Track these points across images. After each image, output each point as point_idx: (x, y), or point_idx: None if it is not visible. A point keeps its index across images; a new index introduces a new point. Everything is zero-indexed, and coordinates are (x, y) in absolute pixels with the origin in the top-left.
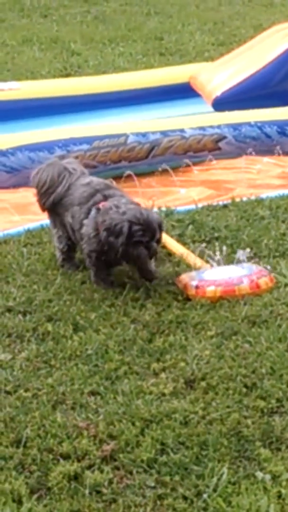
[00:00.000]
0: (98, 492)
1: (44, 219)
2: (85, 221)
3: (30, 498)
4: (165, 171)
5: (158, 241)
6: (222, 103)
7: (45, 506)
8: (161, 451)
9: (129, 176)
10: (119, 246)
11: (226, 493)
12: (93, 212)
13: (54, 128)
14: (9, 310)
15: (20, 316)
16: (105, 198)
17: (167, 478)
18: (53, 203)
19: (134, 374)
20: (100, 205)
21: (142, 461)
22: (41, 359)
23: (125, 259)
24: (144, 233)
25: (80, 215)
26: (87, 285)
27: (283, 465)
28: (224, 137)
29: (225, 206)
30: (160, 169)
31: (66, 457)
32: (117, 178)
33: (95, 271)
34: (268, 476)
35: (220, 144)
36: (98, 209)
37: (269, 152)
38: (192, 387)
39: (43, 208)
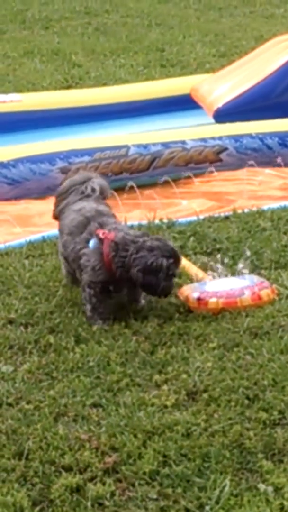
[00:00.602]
0: (100, 504)
1: (45, 231)
2: (86, 251)
3: (32, 511)
4: (166, 183)
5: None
6: (223, 115)
7: None
8: (163, 463)
9: (131, 187)
10: (161, 283)
11: (228, 505)
12: (93, 242)
13: (55, 140)
14: (10, 322)
15: (22, 328)
16: (101, 226)
17: (170, 490)
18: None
19: (136, 386)
20: (100, 234)
21: (144, 473)
22: (43, 371)
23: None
24: (176, 265)
25: (75, 245)
26: None
27: (285, 477)
28: (226, 149)
29: (226, 217)
30: (161, 181)
31: (68, 469)
32: (119, 189)
33: (93, 304)
34: (270, 488)
35: (222, 156)
36: (101, 239)
37: (270, 163)
38: (194, 399)
39: (54, 214)
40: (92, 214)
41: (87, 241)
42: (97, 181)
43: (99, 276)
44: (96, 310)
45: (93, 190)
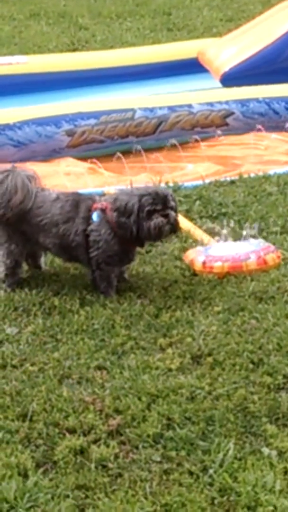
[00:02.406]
0: (104, 466)
1: None
2: (92, 227)
3: (36, 472)
4: (173, 147)
5: (175, 210)
6: (230, 79)
7: (51, 480)
8: (167, 426)
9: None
10: (132, 224)
11: (232, 469)
12: (96, 215)
13: (61, 102)
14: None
15: (26, 290)
16: (93, 201)
17: (173, 453)
18: (17, 216)
19: (140, 349)
20: (99, 206)
21: (148, 436)
22: (47, 333)
23: (146, 237)
24: (154, 201)
25: (78, 228)
26: None
27: None
28: (232, 113)
29: (232, 182)
30: (168, 144)
31: (72, 431)
32: (125, 153)
33: (107, 278)
34: (274, 452)
35: (228, 120)
36: (103, 210)
37: (277, 128)
38: (199, 363)
39: (9, 218)
40: (76, 195)
41: (87, 219)
42: (28, 173)
43: (114, 245)
44: (111, 285)
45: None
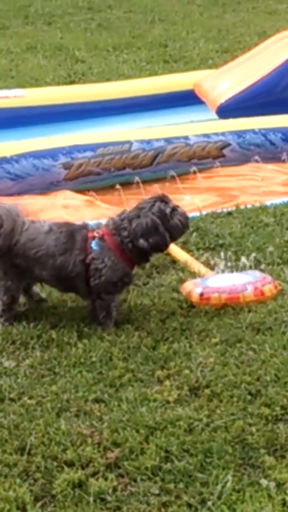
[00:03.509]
0: (102, 499)
1: None
2: (93, 255)
3: (34, 506)
4: (171, 178)
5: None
6: (226, 110)
7: None
8: (166, 458)
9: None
10: (164, 235)
11: (230, 501)
12: (95, 243)
13: (58, 135)
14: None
15: (24, 323)
16: (87, 230)
17: (172, 486)
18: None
19: (138, 382)
20: (96, 234)
21: (146, 468)
22: (45, 366)
23: (178, 234)
24: (163, 204)
25: (75, 258)
26: None
27: (287, 473)
28: (229, 144)
29: (229, 213)
30: (168, 176)
31: (70, 464)
32: (124, 185)
33: (107, 307)
34: (272, 484)
35: (225, 151)
36: (101, 237)
37: (273, 159)
38: (197, 395)
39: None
40: (69, 226)
41: (85, 249)
42: (12, 207)
43: (117, 271)
44: (110, 315)
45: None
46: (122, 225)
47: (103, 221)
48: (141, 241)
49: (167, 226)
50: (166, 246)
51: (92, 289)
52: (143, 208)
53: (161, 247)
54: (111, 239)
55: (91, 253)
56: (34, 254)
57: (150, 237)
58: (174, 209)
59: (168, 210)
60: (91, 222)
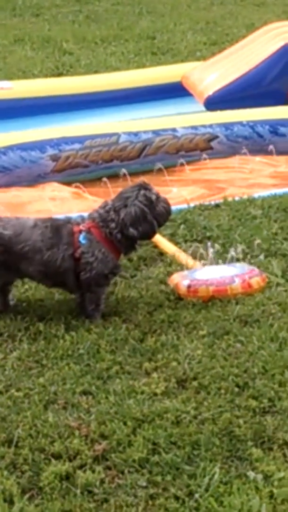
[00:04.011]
0: (89, 492)
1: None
2: (83, 249)
3: (22, 498)
4: (157, 170)
5: None
6: (214, 103)
7: (36, 506)
8: (153, 451)
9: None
10: (153, 222)
11: (218, 493)
12: (83, 236)
13: (46, 127)
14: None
15: (11, 315)
16: (69, 222)
17: (159, 478)
18: None
19: (126, 374)
20: (82, 228)
21: (133, 461)
22: (32, 358)
23: (164, 221)
24: (148, 191)
25: (63, 253)
26: None
27: (275, 465)
28: (216, 137)
29: (217, 205)
30: (155, 168)
31: (57, 457)
32: (111, 177)
33: (97, 300)
34: (260, 476)
35: (212, 144)
36: (88, 230)
37: (261, 151)
38: (184, 387)
39: None
40: (54, 221)
41: (72, 243)
42: None
43: (108, 263)
44: (98, 308)
45: None
46: (109, 217)
47: (85, 215)
48: (131, 230)
49: (154, 213)
50: (154, 233)
51: (83, 283)
52: (128, 197)
53: (150, 234)
54: (99, 231)
55: (80, 247)
56: (21, 249)
57: (139, 225)
58: (158, 196)
59: (153, 197)
60: (75, 215)
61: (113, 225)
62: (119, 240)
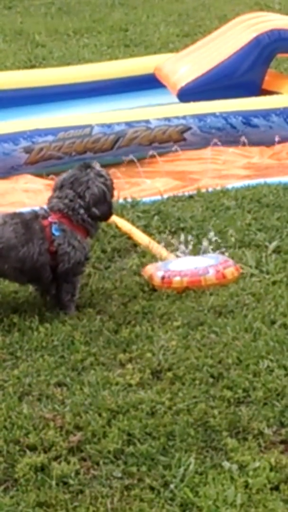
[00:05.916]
0: (65, 483)
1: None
2: (58, 241)
3: None
4: (130, 162)
5: None
6: (187, 94)
7: (11, 497)
8: (128, 441)
9: None
10: (110, 199)
11: (193, 483)
12: (54, 228)
13: (19, 119)
14: None
15: None
16: (37, 216)
17: (134, 469)
18: None
19: (100, 365)
20: (51, 220)
21: (109, 452)
22: (7, 350)
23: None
24: (99, 170)
25: (40, 248)
26: None
27: (250, 455)
28: (189, 128)
29: (190, 196)
30: (126, 160)
31: (32, 448)
32: None
33: (73, 290)
34: (235, 466)
35: (185, 135)
36: (59, 222)
37: (234, 142)
38: (159, 378)
39: None
40: (20, 215)
41: (46, 237)
42: None
43: (84, 249)
44: (73, 298)
45: None
46: (76, 205)
47: (41, 207)
48: (93, 210)
49: (112, 193)
50: (111, 214)
51: (60, 274)
52: (87, 180)
53: (110, 212)
54: (68, 220)
55: (55, 239)
56: None
57: (100, 204)
58: (107, 173)
59: (106, 176)
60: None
61: (82, 210)
62: (90, 223)
